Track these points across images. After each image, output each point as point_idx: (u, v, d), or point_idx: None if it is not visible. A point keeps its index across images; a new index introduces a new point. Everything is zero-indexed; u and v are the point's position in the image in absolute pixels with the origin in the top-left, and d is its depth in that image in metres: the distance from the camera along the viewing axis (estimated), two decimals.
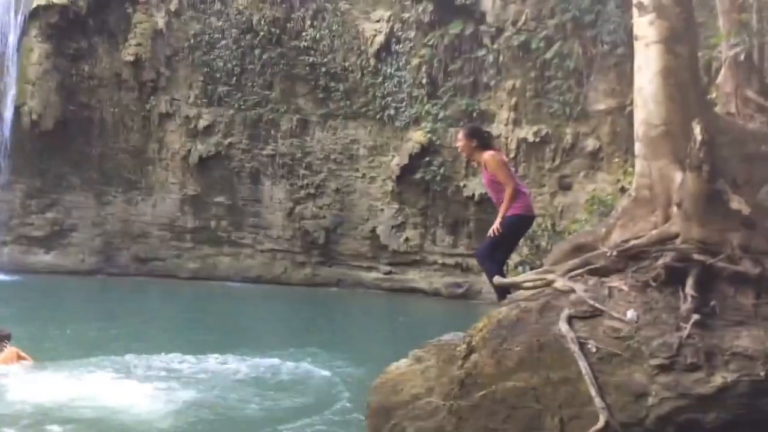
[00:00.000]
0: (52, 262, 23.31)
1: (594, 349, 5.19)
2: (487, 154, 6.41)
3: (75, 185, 23.78)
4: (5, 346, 9.53)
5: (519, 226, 6.52)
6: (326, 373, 10.96)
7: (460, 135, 6.69)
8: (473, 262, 19.33)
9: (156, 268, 23.15)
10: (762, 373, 4.86)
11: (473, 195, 19.26)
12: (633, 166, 6.87)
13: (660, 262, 5.54)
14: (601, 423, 4.87)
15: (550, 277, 6.04)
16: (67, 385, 9.21)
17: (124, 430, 7.95)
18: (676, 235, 5.67)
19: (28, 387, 8.95)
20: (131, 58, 22.67)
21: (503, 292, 6.39)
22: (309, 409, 8.96)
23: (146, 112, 23.14)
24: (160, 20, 22.64)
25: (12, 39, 22.85)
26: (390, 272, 21.22)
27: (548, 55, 17.59)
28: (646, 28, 6.15)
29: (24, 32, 22.77)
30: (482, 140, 6.52)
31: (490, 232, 6.39)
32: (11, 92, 22.78)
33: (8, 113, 22.85)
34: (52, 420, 7.99)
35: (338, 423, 8.43)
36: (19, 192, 23.48)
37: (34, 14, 22.61)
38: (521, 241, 18.29)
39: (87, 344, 12.01)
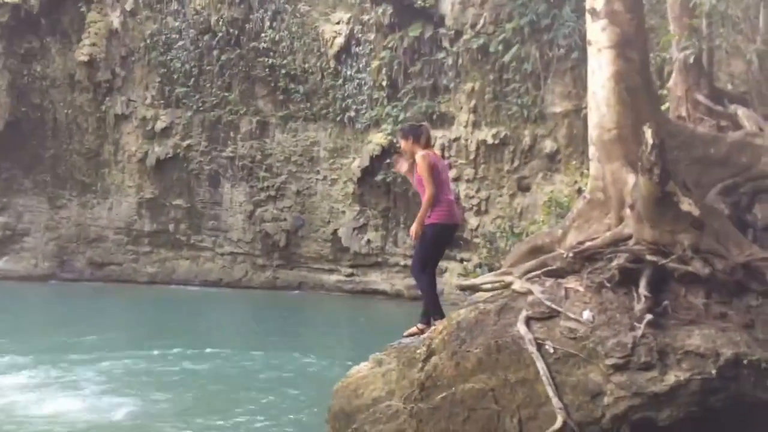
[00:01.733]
0: (3, 268, 22.69)
1: (551, 350, 5.27)
2: (419, 155, 6.35)
3: (27, 188, 23.17)
4: None
5: (440, 235, 6.39)
6: (287, 375, 10.90)
7: (399, 137, 6.72)
8: None
9: (113, 273, 22.70)
10: (713, 371, 5.00)
11: None
12: (589, 168, 6.98)
13: (614, 263, 5.66)
14: (558, 423, 4.94)
15: (508, 278, 6.11)
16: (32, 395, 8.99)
17: None
18: (629, 237, 5.79)
19: None
20: (85, 59, 22.19)
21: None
22: (269, 411, 8.88)
23: (101, 114, 22.67)
24: (115, 20, 22.21)
25: None
26: (352, 274, 21.18)
27: (506, 58, 17.75)
28: (598, 34, 6.27)
29: None
30: (416, 135, 6.48)
31: (411, 235, 6.36)
32: None
33: None
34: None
35: (298, 425, 8.37)
36: None
37: None
38: (480, 242, 18.54)
39: (36, 351, 11.70)
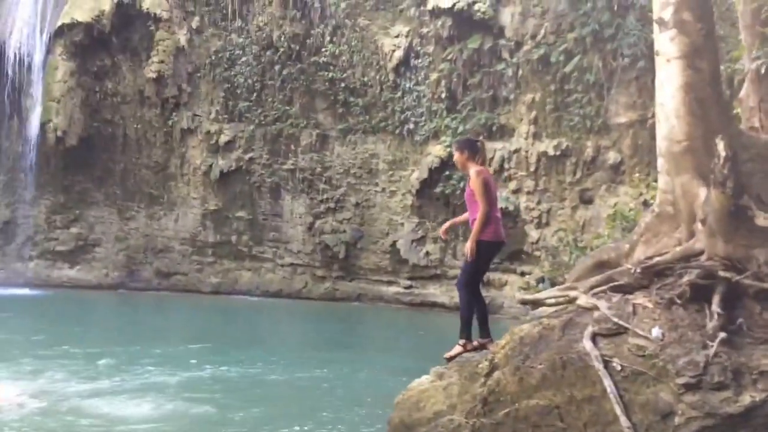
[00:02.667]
0: (76, 277, 23.62)
1: (619, 368, 5.15)
2: (473, 170, 6.35)
3: (98, 200, 24.09)
4: None
5: (489, 251, 6.42)
6: (347, 387, 10.96)
7: (453, 149, 6.77)
8: (495, 276, 19.26)
9: (178, 283, 23.34)
10: None
11: None
12: (656, 179, 6.82)
13: (685, 279, 5.50)
14: None
15: (573, 293, 6.01)
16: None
17: None
18: (701, 252, 5.62)
19: None
20: (154, 75, 22.99)
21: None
22: (329, 423, 8.94)
23: (168, 128, 23.43)
24: (182, 37, 22.96)
25: (37, 57, 23.31)
26: (410, 287, 21.18)
27: (568, 69, 17.53)
28: (667, 44, 6.13)
29: (49, 51, 23.22)
30: (473, 150, 6.49)
31: (467, 256, 6.32)
32: (37, 110, 23.21)
33: (34, 130, 23.28)
34: None
35: None
36: (44, 207, 23.86)
37: (59, 33, 23.05)
38: (541, 255, 18.27)
39: (115, 358, 12.15)
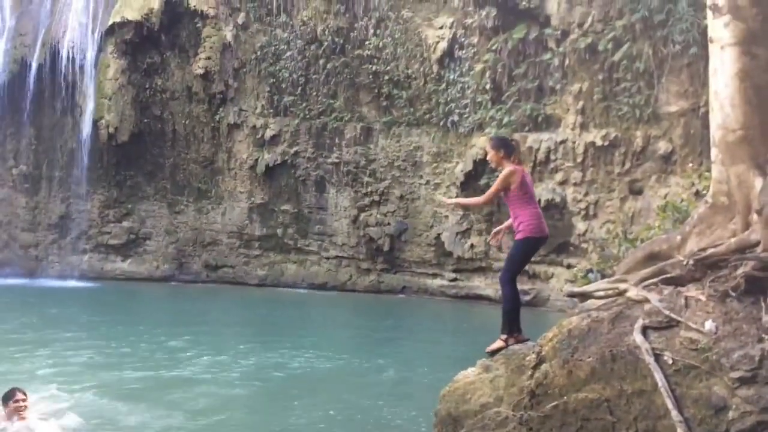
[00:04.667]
0: (128, 269, 24.28)
1: (670, 361, 5.05)
2: (507, 169, 6.38)
3: (149, 195, 24.68)
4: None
5: (532, 248, 6.52)
6: (392, 377, 11.02)
7: (488, 146, 6.77)
8: (541, 268, 19.06)
9: (225, 275, 23.78)
10: None
11: (539, 200, 18.96)
12: (708, 169, 6.64)
13: (740, 271, 5.35)
14: None
15: (622, 286, 5.91)
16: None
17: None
18: (756, 243, 5.45)
19: None
20: (201, 71, 23.40)
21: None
22: (373, 413, 9.01)
23: (215, 123, 23.83)
24: (228, 34, 23.29)
25: (90, 56, 23.95)
26: (455, 279, 21.13)
27: (616, 57, 17.17)
28: (721, 30, 5.95)
29: (101, 49, 23.85)
30: (507, 149, 6.52)
31: (510, 249, 6.48)
32: (89, 107, 23.88)
33: (87, 127, 23.97)
34: None
35: (404, 428, 8.44)
36: (97, 202, 24.58)
37: (110, 31, 23.65)
38: (588, 247, 17.98)
39: (179, 350, 12.59)
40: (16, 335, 13.25)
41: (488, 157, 6.72)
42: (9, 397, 7.44)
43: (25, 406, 7.44)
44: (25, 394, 7.53)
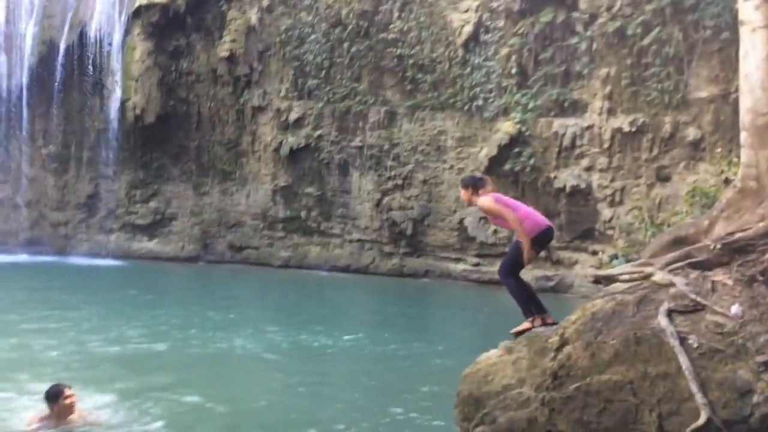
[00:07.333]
0: (154, 249, 24.64)
1: (695, 345, 5.05)
2: (479, 202, 6.64)
3: (175, 176, 24.96)
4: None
5: (537, 244, 6.60)
6: (414, 359, 11.10)
7: (460, 188, 7.00)
8: (564, 254, 18.97)
9: (250, 256, 24.01)
10: None
11: (564, 186, 18.86)
12: (738, 156, 6.57)
13: (767, 255, 5.31)
14: (702, 419, 4.74)
15: (648, 269, 5.90)
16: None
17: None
18: None
19: None
20: (226, 54, 23.51)
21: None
22: (396, 395, 9.09)
23: (240, 106, 23.97)
24: (253, 16, 23.33)
25: (117, 38, 24.20)
26: (478, 264, 21.11)
27: (645, 42, 16.92)
28: (752, 13, 5.87)
29: (127, 31, 24.06)
30: (476, 187, 6.76)
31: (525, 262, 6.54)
32: (117, 89, 24.16)
33: (114, 109, 24.28)
34: None
35: (425, 409, 8.52)
36: (125, 183, 24.94)
37: (137, 13, 23.85)
38: (614, 233, 17.85)
39: (213, 327, 12.95)
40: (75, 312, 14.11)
41: (462, 197, 6.98)
42: (57, 394, 7.00)
43: (74, 402, 7.08)
44: (70, 387, 7.18)
